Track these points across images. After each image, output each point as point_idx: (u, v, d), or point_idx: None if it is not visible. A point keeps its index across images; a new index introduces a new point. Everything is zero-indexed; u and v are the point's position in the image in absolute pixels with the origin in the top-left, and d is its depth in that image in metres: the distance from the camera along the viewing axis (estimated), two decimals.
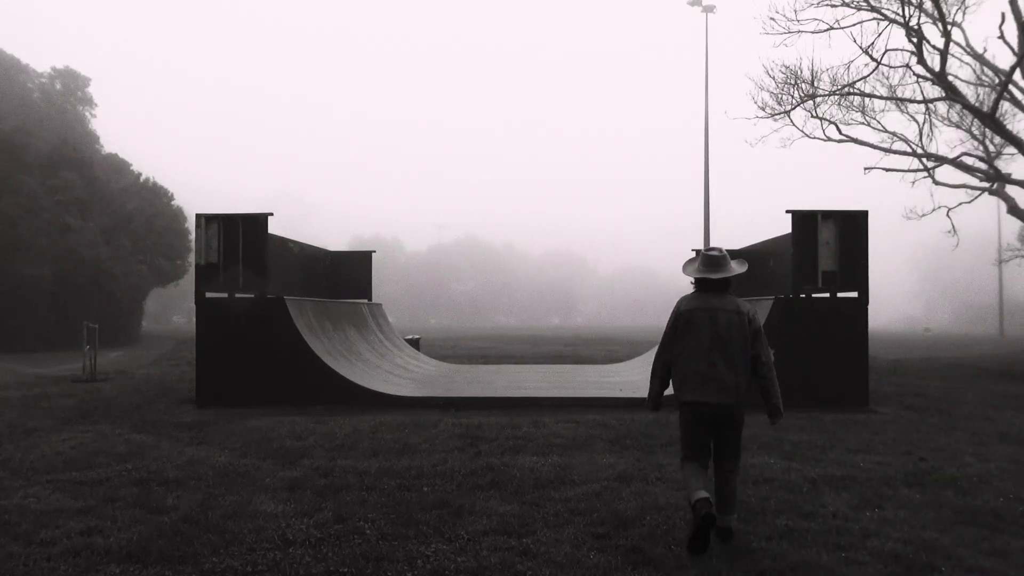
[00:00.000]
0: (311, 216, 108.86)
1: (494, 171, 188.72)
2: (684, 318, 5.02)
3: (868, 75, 19.39)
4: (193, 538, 5.12)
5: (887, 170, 22.58)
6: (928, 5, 17.34)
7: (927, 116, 21.25)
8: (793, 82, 20.14)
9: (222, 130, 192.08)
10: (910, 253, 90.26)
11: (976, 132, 22.51)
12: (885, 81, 20.58)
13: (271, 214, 12.24)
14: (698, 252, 5.08)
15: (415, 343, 20.20)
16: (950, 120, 22.47)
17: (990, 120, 18.34)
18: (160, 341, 37.07)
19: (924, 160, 22.03)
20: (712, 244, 30.05)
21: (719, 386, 4.82)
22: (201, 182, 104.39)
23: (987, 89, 21.17)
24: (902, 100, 20.60)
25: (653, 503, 5.91)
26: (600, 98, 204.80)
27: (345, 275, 17.67)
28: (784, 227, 12.06)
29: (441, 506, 5.85)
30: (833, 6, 18.32)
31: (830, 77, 20.23)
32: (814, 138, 21.38)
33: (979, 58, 20.57)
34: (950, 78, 18.40)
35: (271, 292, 12.29)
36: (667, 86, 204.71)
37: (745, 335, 4.87)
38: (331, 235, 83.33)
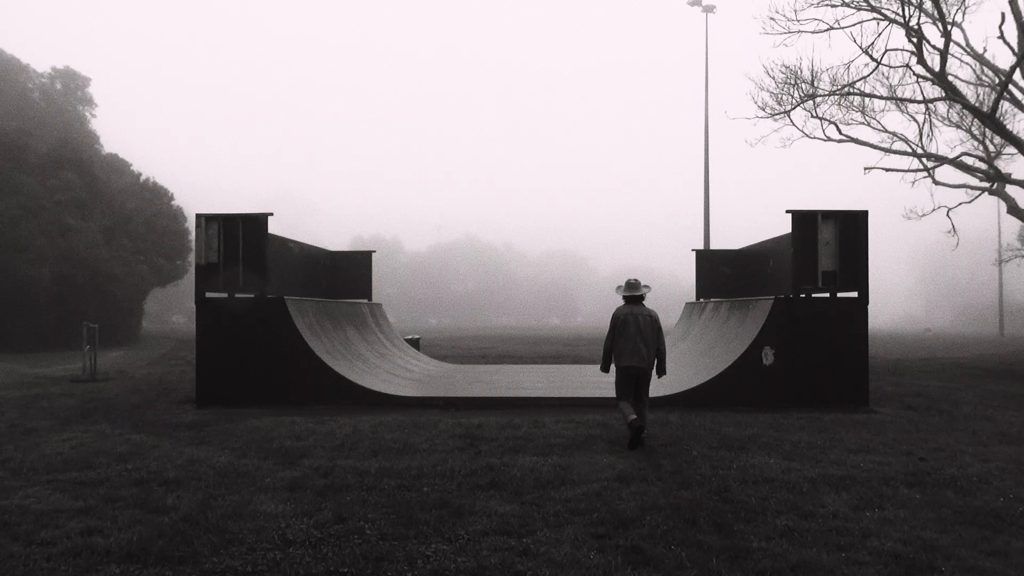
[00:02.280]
0: (311, 216, 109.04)
1: (494, 171, 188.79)
2: (621, 320, 8.37)
3: (868, 75, 19.41)
4: (193, 538, 5.12)
5: (887, 170, 22.59)
6: (928, 5, 17.35)
7: (927, 116, 21.25)
8: (793, 82, 20.16)
9: (222, 130, 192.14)
10: (910, 253, 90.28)
11: (976, 132, 22.50)
12: (885, 81, 20.61)
13: (271, 214, 12.24)
14: (641, 281, 8.72)
15: (415, 343, 20.20)
16: (950, 120, 22.47)
17: (990, 120, 18.34)
18: (160, 341, 37.07)
19: (924, 160, 22.03)
20: (711, 245, 29.92)
21: (640, 357, 8.25)
22: (201, 182, 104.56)
23: (987, 89, 21.16)
24: (902, 100, 20.59)
25: (653, 503, 5.91)
26: (600, 98, 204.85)
27: (345, 275, 17.66)
28: (784, 227, 12.08)
29: (441, 506, 5.85)
30: (833, 6, 18.33)
31: (830, 77, 20.31)
32: (814, 138, 21.39)
33: (979, 58, 20.56)
34: (950, 78, 18.40)
35: (271, 292, 12.28)
36: (667, 86, 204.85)
37: (653, 329, 8.30)
38: (331, 235, 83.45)
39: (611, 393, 12.46)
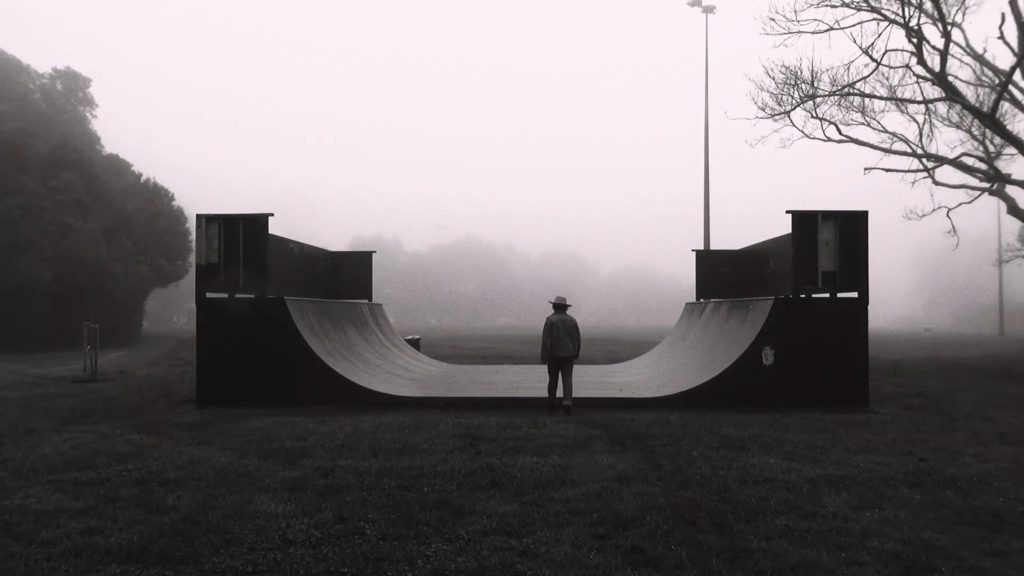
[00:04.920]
0: (311, 216, 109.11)
1: (494, 171, 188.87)
2: (553, 325, 11.28)
3: (868, 75, 19.42)
4: (193, 538, 5.12)
5: (887, 170, 22.58)
6: (928, 5, 17.36)
7: (927, 116, 21.25)
8: (793, 82, 20.16)
9: (223, 130, 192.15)
10: (910, 253, 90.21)
11: (976, 132, 22.49)
12: (885, 81, 20.60)
13: (271, 215, 12.25)
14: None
15: (415, 343, 20.21)
16: (950, 120, 22.46)
17: (990, 120, 18.34)
18: (160, 341, 37.08)
19: (924, 160, 22.02)
20: (711, 245, 29.86)
21: (568, 349, 11.19)
22: (202, 182, 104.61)
23: (987, 89, 21.16)
24: (902, 100, 20.59)
25: (653, 503, 5.92)
26: (600, 98, 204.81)
27: (345, 275, 17.67)
28: (784, 227, 12.08)
29: (441, 506, 5.86)
30: (833, 7, 18.34)
31: (830, 77, 20.27)
32: (814, 138, 21.38)
33: (979, 58, 20.56)
34: (950, 78, 18.40)
35: (271, 292, 12.29)
36: (667, 86, 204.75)
37: (574, 330, 11.33)
38: (331, 235, 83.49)
39: (611, 394, 12.66)
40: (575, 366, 11.52)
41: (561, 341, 11.20)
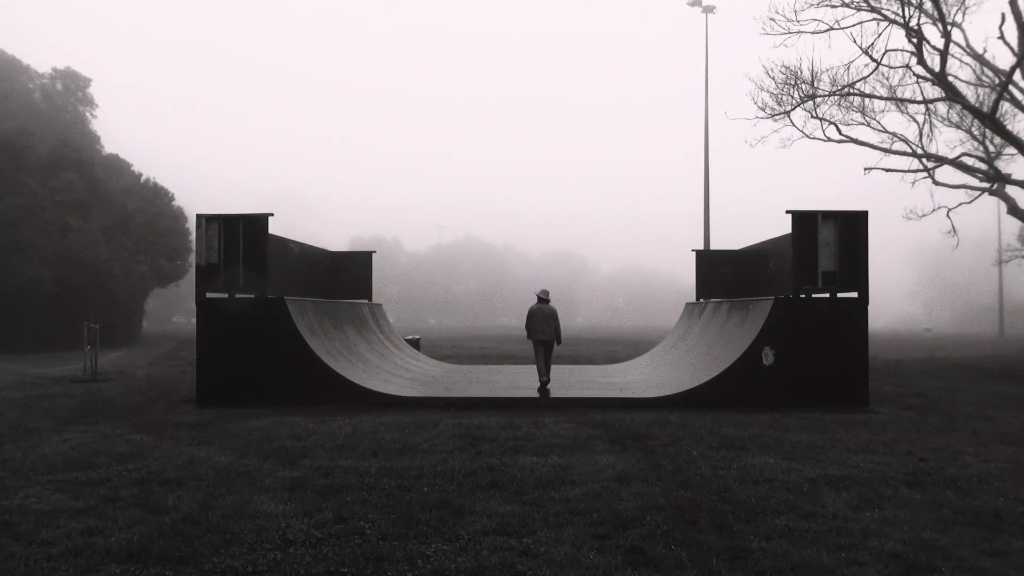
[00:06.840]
0: (311, 216, 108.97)
1: (495, 171, 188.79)
2: (534, 312, 13.28)
3: (868, 75, 19.41)
4: (193, 538, 5.12)
5: (887, 170, 22.58)
6: (928, 5, 17.36)
7: (927, 116, 21.25)
8: (793, 82, 20.15)
9: (223, 130, 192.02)
10: (910, 253, 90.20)
11: (976, 132, 22.48)
12: (885, 81, 20.60)
13: (271, 214, 12.25)
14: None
15: (415, 343, 20.21)
16: (950, 120, 22.45)
17: (990, 120, 18.34)
18: (160, 341, 37.09)
19: (924, 160, 22.02)
20: (711, 245, 29.81)
21: (546, 333, 13.18)
22: (202, 182, 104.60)
23: (987, 89, 21.16)
24: (902, 100, 20.59)
25: (653, 503, 5.92)
26: (600, 98, 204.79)
27: (345, 275, 17.67)
28: (784, 227, 12.09)
29: (441, 506, 5.86)
30: (833, 7, 18.35)
31: (830, 77, 20.26)
32: (814, 138, 21.37)
33: (979, 58, 20.57)
34: (950, 78, 18.40)
35: (271, 292, 12.28)
36: (667, 86, 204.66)
37: (552, 317, 13.26)
38: (331, 235, 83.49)
39: (611, 394, 12.76)
40: (579, 363, 12.50)
41: (539, 325, 13.16)
